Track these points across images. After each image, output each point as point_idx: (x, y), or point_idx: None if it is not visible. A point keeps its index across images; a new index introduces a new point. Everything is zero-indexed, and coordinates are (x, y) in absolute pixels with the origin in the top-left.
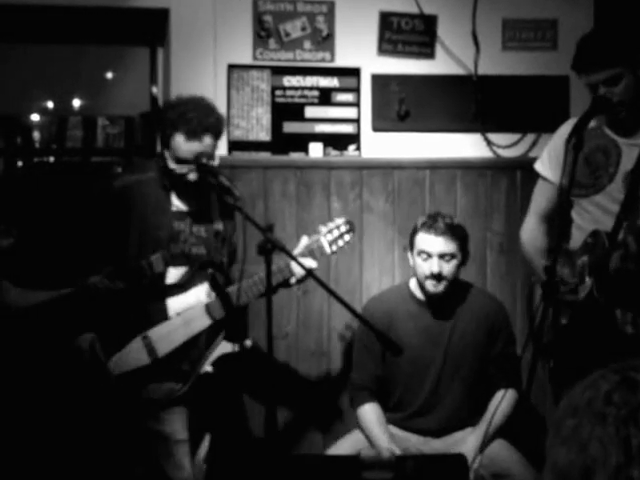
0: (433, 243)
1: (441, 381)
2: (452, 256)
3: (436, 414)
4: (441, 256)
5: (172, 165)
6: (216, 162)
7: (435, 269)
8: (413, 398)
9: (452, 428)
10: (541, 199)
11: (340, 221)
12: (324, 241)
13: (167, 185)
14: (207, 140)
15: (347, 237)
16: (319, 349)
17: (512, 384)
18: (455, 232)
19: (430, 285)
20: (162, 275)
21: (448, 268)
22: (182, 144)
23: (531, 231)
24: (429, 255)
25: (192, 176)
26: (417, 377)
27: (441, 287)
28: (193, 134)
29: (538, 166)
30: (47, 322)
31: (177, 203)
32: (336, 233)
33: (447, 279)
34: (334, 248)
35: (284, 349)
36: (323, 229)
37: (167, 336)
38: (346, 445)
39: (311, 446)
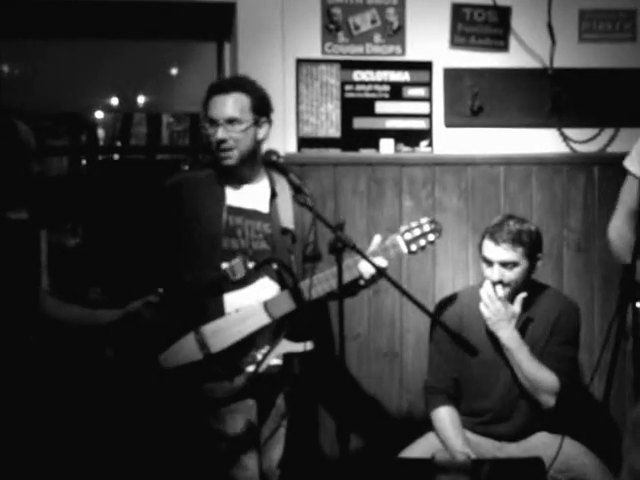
0: (494, 251)
1: (513, 386)
2: (514, 264)
3: (513, 420)
4: (503, 264)
5: (205, 131)
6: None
7: (495, 277)
8: (485, 403)
9: (528, 432)
10: (628, 196)
11: (424, 220)
12: (400, 240)
13: (222, 180)
14: (234, 96)
15: (431, 237)
16: (391, 350)
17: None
18: (520, 239)
19: (494, 289)
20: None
21: (510, 276)
22: (211, 102)
23: (618, 229)
24: (491, 263)
25: (220, 134)
26: (489, 381)
27: (503, 294)
28: (219, 89)
29: (627, 163)
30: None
31: (234, 198)
32: (417, 232)
33: (510, 286)
34: (413, 248)
35: (355, 350)
36: (402, 228)
37: (221, 332)
38: (419, 448)
39: (385, 448)
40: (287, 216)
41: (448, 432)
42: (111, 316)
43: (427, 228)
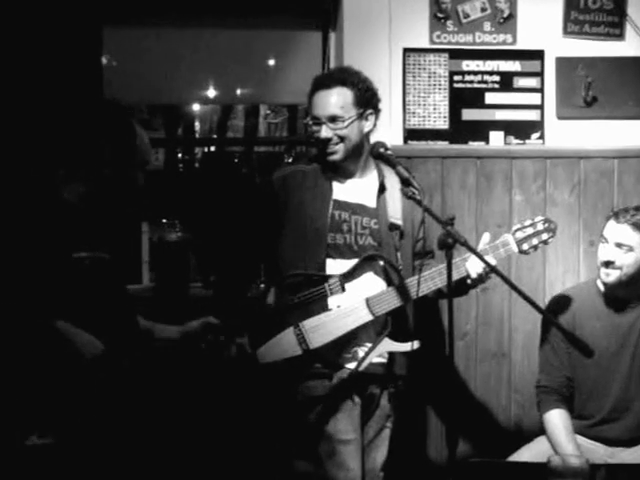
0: (612, 229)
1: (630, 385)
2: (630, 248)
3: (625, 421)
4: (618, 245)
5: (310, 127)
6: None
7: (605, 256)
8: (599, 404)
9: None
10: None
11: (538, 219)
12: (511, 239)
13: (329, 174)
14: (336, 91)
15: (544, 236)
16: (500, 349)
17: None
18: None
19: (602, 273)
20: (323, 266)
21: (623, 259)
22: (314, 99)
23: None
24: (606, 241)
25: (324, 133)
26: (603, 381)
27: (612, 278)
28: (321, 84)
29: None
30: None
31: (340, 192)
32: (529, 231)
33: (621, 271)
34: (525, 247)
35: (463, 349)
36: (515, 226)
37: (321, 328)
38: (530, 452)
39: (493, 452)
40: (396, 211)
41: (560, 436)
42: (169, 333)
43: (540, 227)
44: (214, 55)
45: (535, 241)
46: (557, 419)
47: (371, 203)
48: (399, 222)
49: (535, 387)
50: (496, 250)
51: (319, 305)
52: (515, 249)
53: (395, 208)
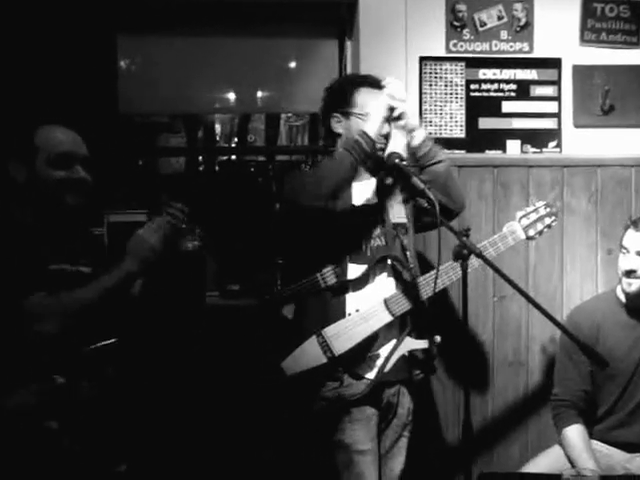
0: (632, 238)
1: None
2: None
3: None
4: (639, 253)
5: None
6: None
7: (627, 265)
8: (621, 410)
9: None
10: None
11: (539, 204)
12: (518, 226)
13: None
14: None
15: (547, 220)
16: (517, 359)
17: None
18: None
19: (624, 283)
20: (345, 272)
21: None
22: (369, 95)
23: None
24: (627, 251)
25: (387, 128)
26: (629, 388)
27: (635, 287)
28: (373, 84)
29: None
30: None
31: (355, 197)
32: (534, 217)
33: None
34: (531, 233)
35: (480, 358)
36: (519, 213)
37: (344, 333)
38: (545, 461)
39: (508, 462)
40: (398, 210)
41: (580, 454)
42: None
43: (543, 212)
44: (232, 63)
45: (540, 226)
46: (576, 435)
47: (374, 203)
48: (403, 220)
49: (551, 400)
50: (505, 239)
51: (337, 307)
52: (523, 236)
53: (397, 207)
